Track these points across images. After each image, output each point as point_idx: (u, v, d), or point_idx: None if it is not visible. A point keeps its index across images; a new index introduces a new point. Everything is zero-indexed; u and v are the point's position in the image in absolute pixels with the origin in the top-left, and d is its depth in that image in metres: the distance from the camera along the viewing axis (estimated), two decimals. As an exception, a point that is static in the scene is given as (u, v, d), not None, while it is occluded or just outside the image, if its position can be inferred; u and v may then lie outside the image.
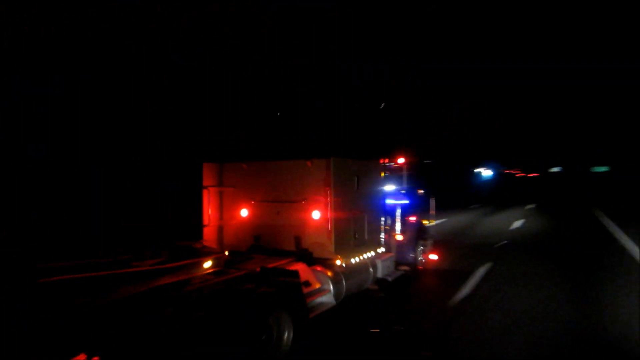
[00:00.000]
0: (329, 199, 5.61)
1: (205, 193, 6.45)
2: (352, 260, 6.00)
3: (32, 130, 8.90)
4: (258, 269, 4.83)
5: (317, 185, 5.71)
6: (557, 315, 6.16)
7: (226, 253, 5.74)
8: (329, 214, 5.60)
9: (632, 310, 6.12)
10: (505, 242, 12.46)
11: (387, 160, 7.96)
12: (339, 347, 5.07)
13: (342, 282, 5.68)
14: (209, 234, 6.54)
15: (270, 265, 5.09)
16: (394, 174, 8.16)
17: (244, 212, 6.44)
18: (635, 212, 20.26)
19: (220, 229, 6.68)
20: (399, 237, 7.79)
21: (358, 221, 6.23)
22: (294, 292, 4.66)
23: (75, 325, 3.29)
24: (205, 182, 6.54)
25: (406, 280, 7.71)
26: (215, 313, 3.78)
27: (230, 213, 6.58)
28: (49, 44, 9.47)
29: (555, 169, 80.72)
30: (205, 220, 6.45)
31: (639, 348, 4.99)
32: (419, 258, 8.55)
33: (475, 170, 62.00)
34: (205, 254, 4.70)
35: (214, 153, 9.62)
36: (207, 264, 4.52)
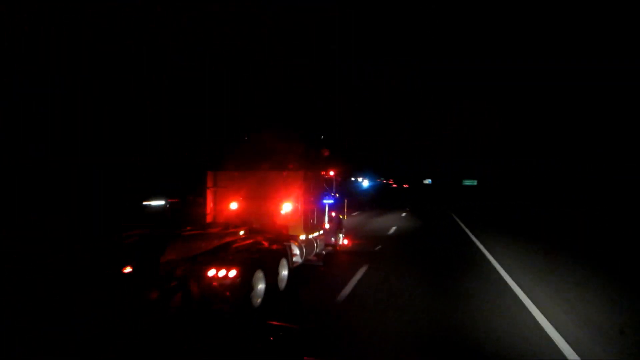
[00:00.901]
0: (300, 197, 9.00)
1: (208, 192, 9.33)
2: (310, 236, 9.45)
3: (32, 130, 9.94)
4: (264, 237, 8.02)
5: (292, 188, 9.05)
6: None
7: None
8: (299, 207, 8.99)
9: (479, 286, 10.46)
10: (392, 232, 16.99)
11: (323, 172, 11.56)
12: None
13: (304, 249, 9.07)
14: (209, 220, 9.41)
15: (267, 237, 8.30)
16: (326, 182, 11.80)
17: (234, 206, 9.44)
18: (479, 216, 27.06)
19: (214, 218, 9.59)
20: (327, 226, 11.41)
21: (312, 212, 9.70)
22: (289, 250, 7.99)
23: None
24: (208, 184, 9.41)
25: (328, 256, 11.33)
26: (259, 254, 6.90)
27: (224, 206, 9.53)
28: (49, 44, 10.09)
29: (427, 181, 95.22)
30: (208, 211, 9.32)
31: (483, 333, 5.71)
32: (339, 242, 12.30)
33: (356, 180, 68.84)
34: (236, 226, 7.74)
35: (212, 157, 11.46)
36: (242, 232, 7.59)
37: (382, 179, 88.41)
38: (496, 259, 11.34)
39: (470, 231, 18.29)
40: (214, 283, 5.79)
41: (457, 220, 24.47)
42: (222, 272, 5.83)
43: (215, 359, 2.84)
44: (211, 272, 5.82)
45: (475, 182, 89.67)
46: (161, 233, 6.19)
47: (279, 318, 6.24)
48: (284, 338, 3.10)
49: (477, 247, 13.70)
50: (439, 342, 5.50)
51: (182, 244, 5.93)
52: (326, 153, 11.34)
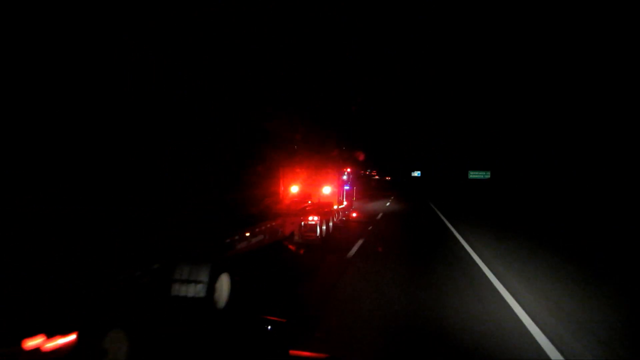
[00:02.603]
0: (334, 184, 15.58)
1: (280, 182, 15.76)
2: (338, 207, 16.05)
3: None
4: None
5: (330, 178, 15.59)
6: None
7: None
8: (334, 190, 15.57)
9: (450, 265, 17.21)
10: (381, 214, 23.75)
11: (344, 169, 18.11)
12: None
13: (335, 215, 15.63)
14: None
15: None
16: (345, 174, 18.36)
17: (295, 189, 15.85)
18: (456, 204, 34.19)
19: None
20: (345, 203, 18.00)
21: (339, 194, 16.30)
22: (333, 213, 14.64)
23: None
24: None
25: (346, 222, 17.91)
26: (323, 212, 13.42)
27: (288, 190, 15.95)
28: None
29: (415, 173, 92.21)
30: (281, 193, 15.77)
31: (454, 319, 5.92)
32: (352, 214, 18.96)
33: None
34: (309, 201, 14.23)
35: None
36: (309, 202, 14.12)
37: (368, 170, 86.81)
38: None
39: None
40: (309, 224, 12.28)
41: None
42: (312, 219, 12.33)
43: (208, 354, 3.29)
44: (309, 219, 12.31)
45: (486, 175, 67.75)
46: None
47: (326, 245, 12.83)
48: (272, 332, 3.10)
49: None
50: (413, 254, 12.17)
51: (294, 208, 12.50)
52: (361, 157, 18.01)
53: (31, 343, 3.83)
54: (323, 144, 17.69)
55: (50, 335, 3.78)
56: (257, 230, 8.56)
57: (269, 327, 3.09)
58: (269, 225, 9.36)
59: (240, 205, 9.13)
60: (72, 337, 3.87)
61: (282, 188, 15.55)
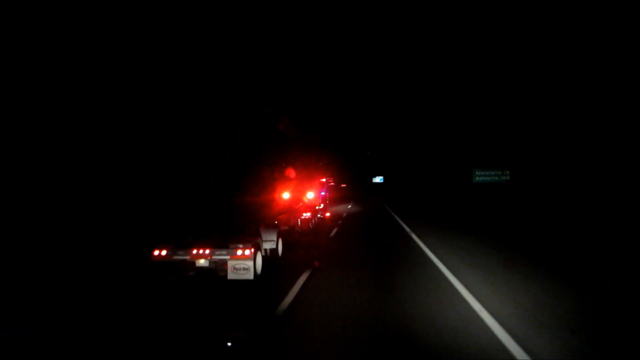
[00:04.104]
0: (317, 190, 22.28)
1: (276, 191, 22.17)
2: (319, 208, 22.72)
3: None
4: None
5: (314, 186, 22.23)
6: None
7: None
8: (316, 195, 22.26)
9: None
10: (345, 214, 30.70)
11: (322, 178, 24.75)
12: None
13: (318, 214, 22.26)
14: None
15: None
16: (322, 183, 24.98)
17: (286, 195, 22.25)
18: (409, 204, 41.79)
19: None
20: (322, 205, 24.64)
21: (319, 198, 23.01)
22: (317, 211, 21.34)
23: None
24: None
25: (321, 219, 24.55)
26: (312, 210, 19.95)
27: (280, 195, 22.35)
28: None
29: (377, 179, 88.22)
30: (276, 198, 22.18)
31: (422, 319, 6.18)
32: (326, 214, 25.69)
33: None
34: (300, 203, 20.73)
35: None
36: (301, 203, 20.60)
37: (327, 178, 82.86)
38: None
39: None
40: (304, 218, 18.77)
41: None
42: (306, 214, 18.85)
43: None
44: (304, 215, 18.79)
45: (505, 177, 43.19)
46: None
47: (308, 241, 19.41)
48: (231, 348, 3.25)
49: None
50: (369, 234, 19.03)
51: (290, 207, 18.96)
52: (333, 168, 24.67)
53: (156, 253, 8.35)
54: (309, 156, 24.40)
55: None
56: (283, 217, 14.90)
57: (229, 344, 3.37)
58: (285, 216, 15.66)
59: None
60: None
61: (280, 193, 21.99)
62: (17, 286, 8.08)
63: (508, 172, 44.17)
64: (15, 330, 5.75)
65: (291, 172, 21.11)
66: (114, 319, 6.43)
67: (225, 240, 8.70)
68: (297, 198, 21.10)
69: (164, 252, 8.50)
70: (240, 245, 8.46)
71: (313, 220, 19.81)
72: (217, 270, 8.89)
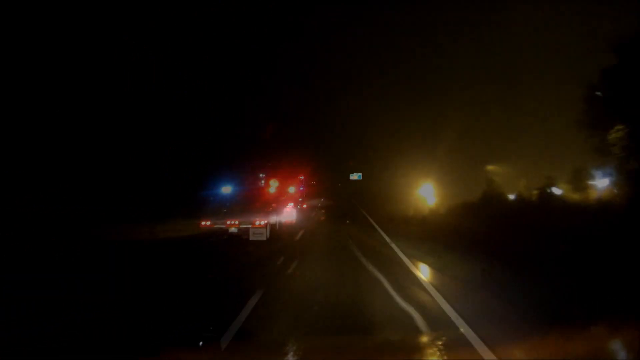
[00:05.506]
0: (297, 186, 23.14)
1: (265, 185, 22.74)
2: (299, 200, 23.60)
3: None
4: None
5: (295, 182, 23.01)
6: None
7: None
8: (296, 189, 23.11)
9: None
10: (320, 204, 31.86)
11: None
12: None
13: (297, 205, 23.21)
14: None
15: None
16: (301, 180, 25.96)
17: (273, 189, 22.86)
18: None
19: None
20: (301, 199, 25.57)
21: (299, 192, 23.86)
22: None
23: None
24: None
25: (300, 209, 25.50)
26: (295, 201, 20.76)
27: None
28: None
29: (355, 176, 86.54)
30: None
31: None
32: (304, 205, 26.59)
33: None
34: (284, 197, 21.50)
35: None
36: (284, 197, 21.34)
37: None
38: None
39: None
40: (288, 209, 19.58)
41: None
42: (289, 205, 19.70)
43: None
44: (289, 204, 19.64)
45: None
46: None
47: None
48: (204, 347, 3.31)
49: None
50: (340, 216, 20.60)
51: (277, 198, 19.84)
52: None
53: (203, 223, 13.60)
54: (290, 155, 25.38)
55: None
56: (275, 205, 16.94)
57: (200, 344, 3.41)
58: (275, 205, 17.57)
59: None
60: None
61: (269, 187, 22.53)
62: (17, 286, 8.10)
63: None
64: (15, 330, 5.71)
65: (277, 171, 21.89)
66: (114, 319, 6.48)
67: (248, 216, 13.92)
68: (281, 192, 22.04)
69: (208, 223, 14.09)
70: (258, 220, 14.03)
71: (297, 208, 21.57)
72: (242, 234, 14.20)
